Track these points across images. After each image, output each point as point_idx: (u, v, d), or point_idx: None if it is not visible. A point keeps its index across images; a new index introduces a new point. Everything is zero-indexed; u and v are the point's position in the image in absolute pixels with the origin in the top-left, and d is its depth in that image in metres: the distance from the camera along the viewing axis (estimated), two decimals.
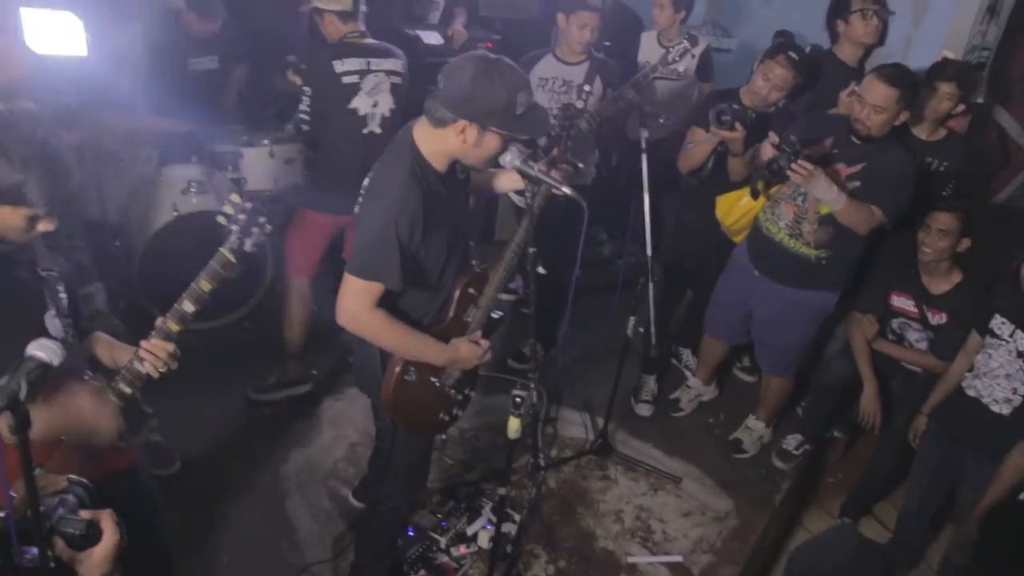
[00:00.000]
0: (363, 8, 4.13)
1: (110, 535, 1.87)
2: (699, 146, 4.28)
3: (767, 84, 4.13)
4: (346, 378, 4.49)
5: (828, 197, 3.67)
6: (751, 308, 4.28)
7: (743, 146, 4.05)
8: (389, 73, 4.13)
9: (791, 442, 4.51)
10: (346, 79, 4.03)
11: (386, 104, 4.13)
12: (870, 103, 3.63)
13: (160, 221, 4.38)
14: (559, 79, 4.42)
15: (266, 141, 4.60)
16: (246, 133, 4.68)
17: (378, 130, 4.13)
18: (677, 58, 4.24)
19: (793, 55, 4.09)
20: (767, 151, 3.86)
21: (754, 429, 4.54)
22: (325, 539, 3.67)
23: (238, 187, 4.65)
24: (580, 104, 4.27)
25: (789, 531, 4.16)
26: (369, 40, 4.15)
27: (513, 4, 5.84)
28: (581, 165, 4.20)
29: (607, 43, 4.69)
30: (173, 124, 4.58)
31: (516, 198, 4.38)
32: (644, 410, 4.69)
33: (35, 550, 1.85)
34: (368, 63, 4.09)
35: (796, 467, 4.45)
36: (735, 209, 4.28)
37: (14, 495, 1.82)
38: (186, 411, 3.94)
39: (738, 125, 3.95)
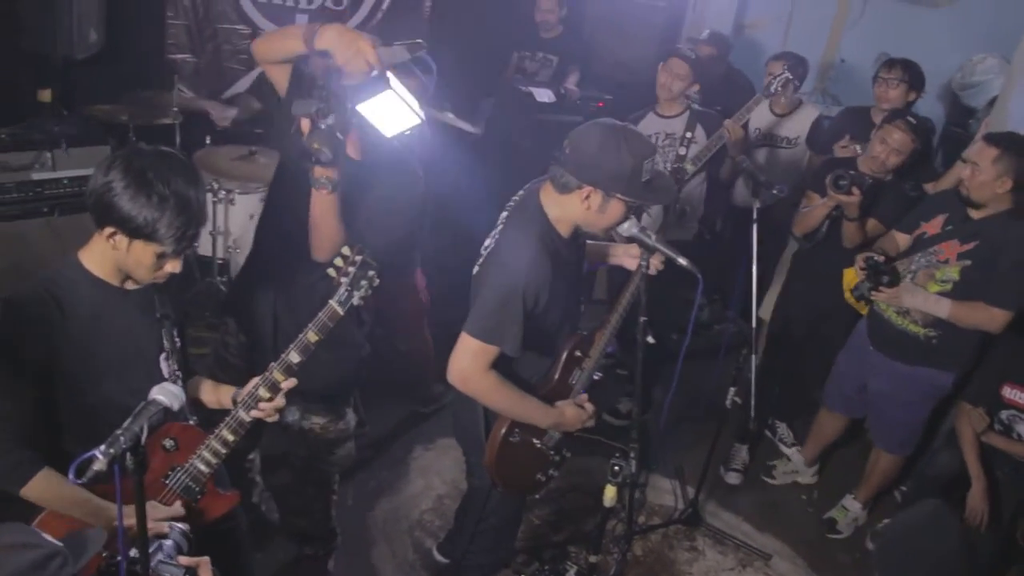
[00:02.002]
0: None
1: None
2: (815, 210, 4.23)
3: (885, 148, 4.05)
4: (436, 428, 4.49)
5: (922, 307, 3.68)
6: (867, 381, 4.15)
7: (859, 211, 4.00)
8: None
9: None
10: None
11: None
12: (969, 160, 3.58)
13: None
14: (661, 133, 4.48)
15: None
16: None
17: None
18: (779, 88, 4.38)
19: (912, 119, 4.05)
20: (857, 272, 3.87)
21: (850, 510, 4.38)
22: None
23: None
24: (683, 151, 4.35)
25: None
26: None
27: (625, 65, 5.88)
28: (689, 210, 4.27)
29: (718, 107, 4.68)
30: None
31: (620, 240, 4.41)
32: (733, 479, 4.57)
33: None
34: None
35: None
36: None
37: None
38: (270, 456, 3.97)
39: (855, 190, 3.91)
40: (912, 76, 4.59)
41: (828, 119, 5.40)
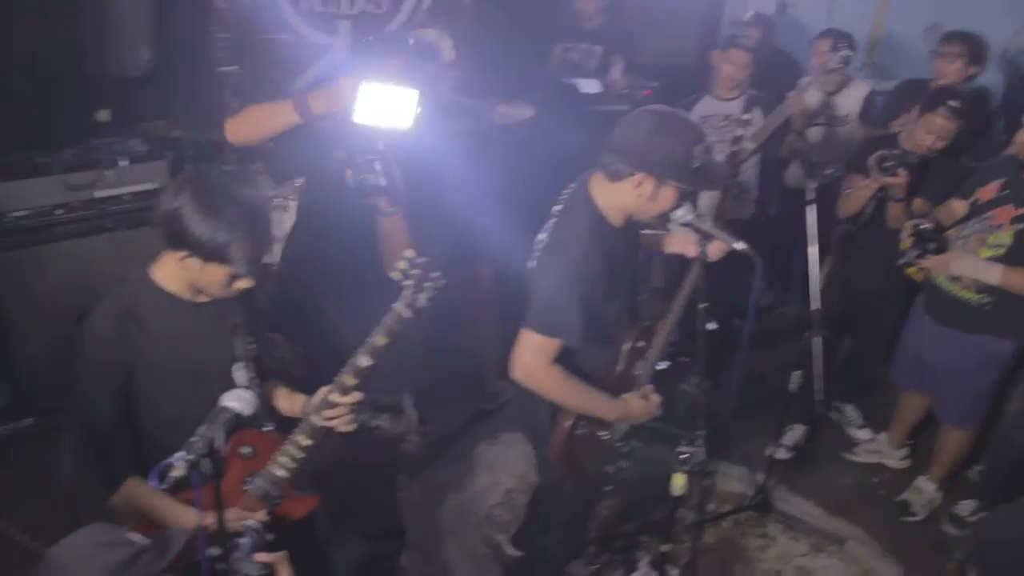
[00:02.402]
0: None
1: None
2: (859, 191, 4.14)
3: (929, 137, 3.95)
4: (501, 423, 4.51)
5: (972, 273, 3.63)
6: (926, 352, 4.10)
7: (905, 192, 3.92)
8: None
9: (965, 508, 4.23)
10: None
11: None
12: None
13: None
14: (719, 115, 4.53)
15: None
16: None
17: None
18: (838, 64, 4.45)
19: (955, 104, 3.89)
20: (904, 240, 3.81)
21: (924, 491, 4.30)
22: None
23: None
24: (741, 132, 4.30)
25: None
26: None
27: (670, 51, 5.83)
28: (741, 190, 4.34)
29: (765, 90, 4.65)
30: None
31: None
32: (781, 453, 4.46)
33: None
34: None
35: (970, 535, 4.18)
36: None
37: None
38: (340, 448, 4.02)
39: (901, 171, 3.84)
40: (971, 49, 4.48)
41: (880, 94, 5.31)
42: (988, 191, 3.75)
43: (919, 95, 4.57)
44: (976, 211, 3.78)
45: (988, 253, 3.64)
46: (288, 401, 2.62)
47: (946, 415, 4.18)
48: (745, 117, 4.35)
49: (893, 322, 4.37)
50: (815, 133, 5.01)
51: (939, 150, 4.00)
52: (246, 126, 2.96)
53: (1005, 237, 3.62)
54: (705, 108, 4.58)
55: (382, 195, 2.75)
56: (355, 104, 2.69)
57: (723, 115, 4.52)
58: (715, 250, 2.86)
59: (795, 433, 4.62)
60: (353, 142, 2.78)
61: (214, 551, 1.98)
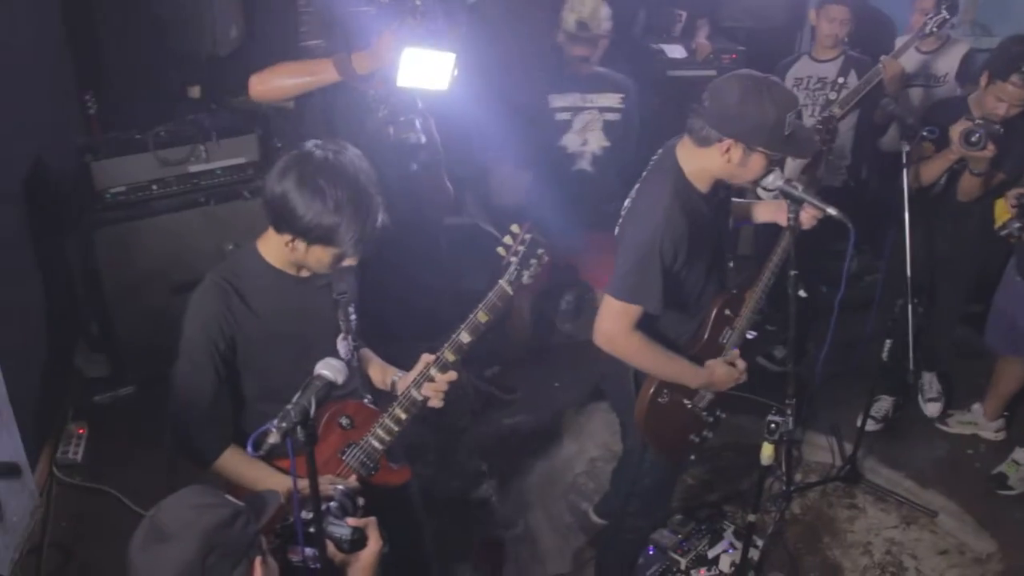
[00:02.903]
0: (599, 31, 4.04)
1: (374, 541, 2.02)
2: (935, 161, 3.95)
3: (1002, 105, 3.74)
4: (585, 391, 4.52)
5: None
6: (1018, 317, 3.98)
7: (987, 165, 3.73)
8: (603, 110, 4.11)
9: None
10: (559, 115, 4.07)
11: (596, 142, 4.11)
12: None
13: None
14: (813, 77, 4.49)
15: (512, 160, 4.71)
16: (492, 151, 4.81)
17: (589, 168, 4.13)
18: (936, 28, 4.25)
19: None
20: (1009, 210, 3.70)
21: (1022, 463, 4.17)
22: (565, 553, 3.71)
23: (485, 203, 4.80)
24: (832, 95, 4.31)
25: None
26: (593, 69, 4.12)
27: (756, 13, 5.69)
28: (831, 157, 4.14)
29: (858, 49, 4.51)
30: None
31: (763, 193, 4.31)
32: (871, 425, 4.31)
33: (309, 551, 2.01)
34: (583, 98, 4.09)
35: None
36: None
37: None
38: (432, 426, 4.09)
39: (990, 145, 3.62)
40: None
41: (980, 52, 5.10)
42: None
43: None
44: None
45: None
46: (381, 373, 2.65)
47: None
48: (840, 81, 4.31)
49: (967, 291, 4.33)
50: (912, 95, 4.86)
51: (1012, 118, 3.79)
52: (277, 81, 3.01)
53: None
54: (801, 69, 4.54)
55: (422, 152, 2.86)
56: (399, 68, 2.81)
57: (818, 77, 4.47)
58: (807, 218, 2.80)
59: (884, 404, 4.52)
60: (394, 101, 2.94)
61: (306, 514, 2.04)
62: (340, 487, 2.25)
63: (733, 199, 2.92)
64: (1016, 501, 4.10)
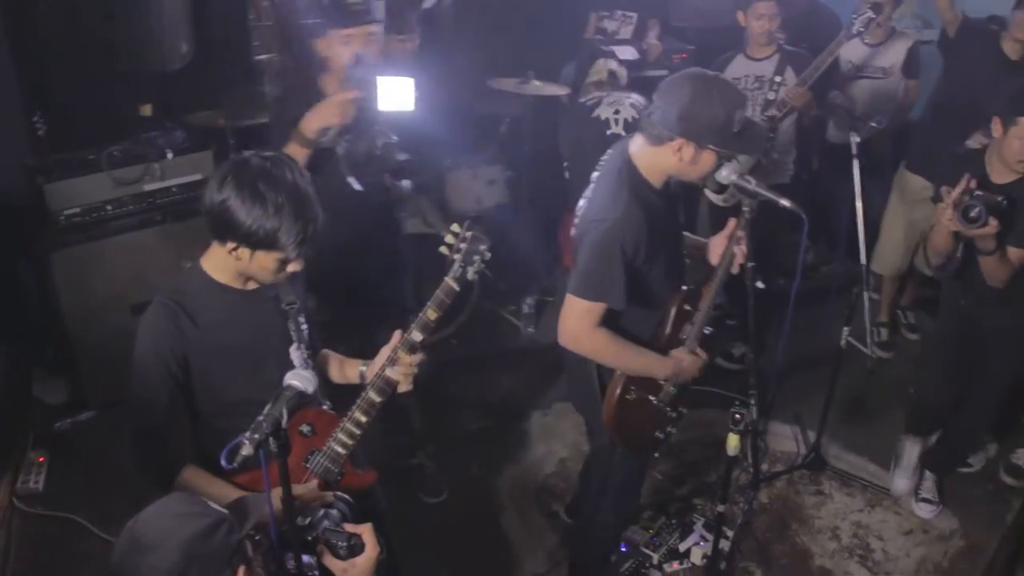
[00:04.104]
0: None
1: (372, 547, 2.01)
2: (938, 233, 3.40)
3: None
4: (553, 393, 4.55)
5: None
6: None
7: (996, 241, 3.17)
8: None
9: (1022, 456, 4.21)
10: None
11: (627, 112, 4.16)
12: None
13: None
14: (751, 76, 4.47)
15: (468, 163, 4.75)
16: (448, 157, 4.86)
17: (622, 132, 4.15)
18: (861, 29, 4.18)
19: None
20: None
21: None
22: (538, 553, 3.72)
23: (443, 209, 4.84)
24: (772, 96, 4.29)
25: (1022, 553, 3.88)
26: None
27: (705, 12, 5.76)
28: (776, 156, 4.21)
29: (804, 44, 4.58)
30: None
31: (715, 198, 4.36)
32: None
33: (306, 558, 2.01)
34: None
35: None
36: None
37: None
38: (398, 430, 4.08)
39: (992, 220, 3.05)
40: None
41: (923, 44, 5.22)
42: None
43: (984, 44, 4.45)
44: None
45: None
46: (340, 368, 2.67)
47: None
48: (777, 79, 4.32)
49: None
50: (858, 87, 4.95)
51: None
52: None
53: None
54: (737, 69, 4.52)
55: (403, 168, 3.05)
56: (377, 95, 2.99)
57: (755, 76, 4.46)
58: (740, 255, 2.85)
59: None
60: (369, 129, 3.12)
61: (302, 521, 2.05)
62: (339, 493, 2.25)
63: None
64: (976, 478, 4.20)
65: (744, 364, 4.40)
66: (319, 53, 3.21)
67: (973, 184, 3.09)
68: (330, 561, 2.00)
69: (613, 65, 4.31)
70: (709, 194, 4.20)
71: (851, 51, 4.86)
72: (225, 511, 1.70)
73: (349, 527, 2.04)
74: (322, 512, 2.10)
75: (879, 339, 5.05)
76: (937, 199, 3.32)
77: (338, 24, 3.15)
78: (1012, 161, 3.20)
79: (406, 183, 3.35)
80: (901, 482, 4.09)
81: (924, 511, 3.96)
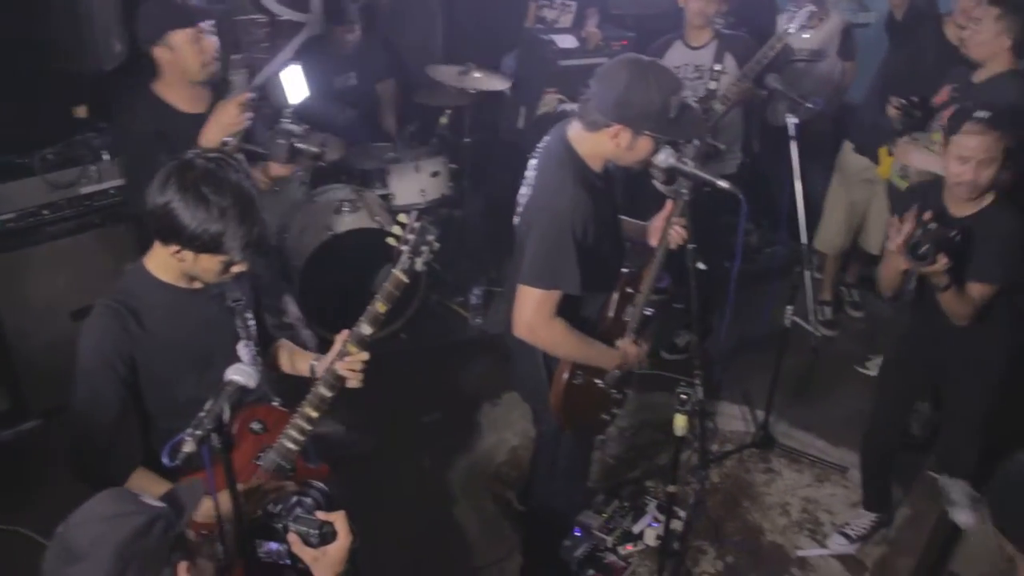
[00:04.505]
0: None
1: (344, 536, 1.95)
2: (886, 267, 3.32)
3: (968, 166, 2.95)
4: (502, 383, 4.55)
5: (928, 166, 3.64)
6: None
7: (949, 279, 2.99)
8: None
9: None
10: None
11: None
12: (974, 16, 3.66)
13: (316, 242, 4.54)
14: (690, 65, 4.38)
15: (411, 156, 4.73)
16: (391, 150, 4.83)
17: None
18: (804, 22, 4.11)
19: (982, 114, 2.94)
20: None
21: (921, 412, 4.35)
22: (493, 542, 3.73)
23: (387, 203, 4.83)
24: (713, 85, 4.23)
25: None
26: None
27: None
28: (722, 146, 4.19)
29: (744, 29, 4.61)
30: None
31: (660, 187, 4.38)
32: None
33: (274, 545, 1.98)
34: None
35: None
36: None
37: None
38: (348, 425, 4.08)
39: (941, 256, 2.89)
40: None
41: (858, 27, 5.31)
42: (941, 96, 3.83)
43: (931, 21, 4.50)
44: (930, 114, 3.85)
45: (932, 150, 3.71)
46: (290, 359, 2.67)
47: None
48: (716, 68, 4.24)
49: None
50: (795, 69, 5.01)
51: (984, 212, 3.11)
52: None
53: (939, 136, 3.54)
54: (676, 57, 4.40)
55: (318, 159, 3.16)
56: (291, 89, 3.23)
57: (694, 66, 4.37)
58: (676, 236, 2.89)
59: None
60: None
61: (273, 508, 2.01)
62: (320, 485, 2.22)
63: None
64: (919, 449, 4.27)
65: (689, 352, 4.43)
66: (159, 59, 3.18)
67: (926, 217, 2.96)
68: (300, 549, 1.95)
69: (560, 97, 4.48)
70: (657, 184, 4.21)
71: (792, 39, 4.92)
72: (161, 505, 1.64)
73: (322, 515, 1.99)
74: (295, 499, 2.05)
75: (823, 317, 5.14)
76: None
77: (178, 25, 3.11)
78: (951, 182, 3.06)
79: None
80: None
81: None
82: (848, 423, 4.43)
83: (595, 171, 2.70)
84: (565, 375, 2.82)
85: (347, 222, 4.57)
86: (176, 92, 3.20)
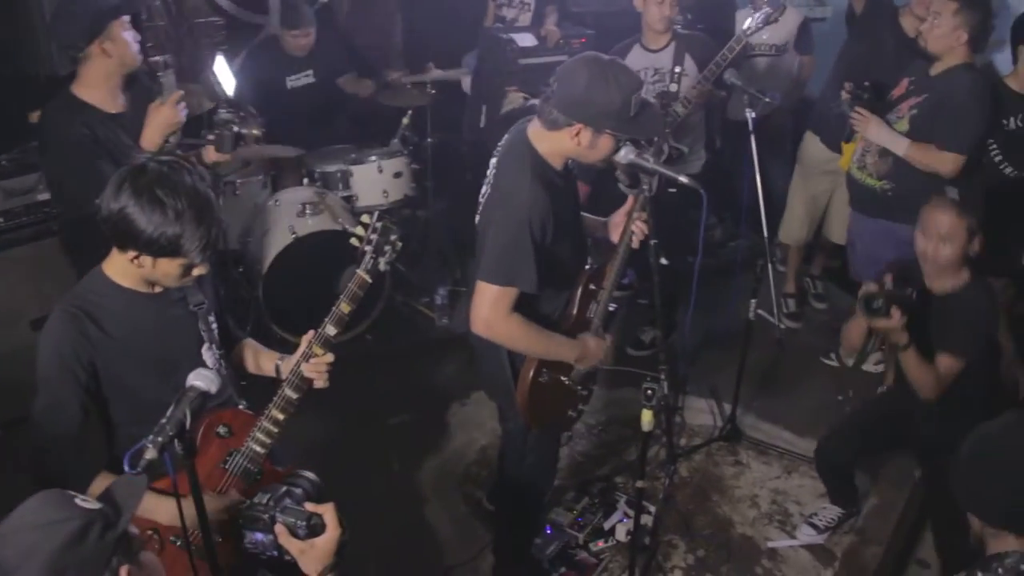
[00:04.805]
0: None
1: (333, 528, 1.89)
2: (850, 327, 3.47)
3: (933, 241, 3.15)
4: (470, 382, 4.55)
5: (884, 141, 3.82)
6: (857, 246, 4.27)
7: (907, 336, 3.08)
8: None
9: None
10: None
11: None
12: (931, 11, 3.73)
13: (279, 244, 4.51)
14: (650, 69, 4.34)
15: (373, 157, 4.71)
16: (353, 151, 4.81)
17: None
18: (761, 24, 4.06)
19: (951, 194, 3.34)
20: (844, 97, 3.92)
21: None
22: (465, 542, 3.72)
23: (350, 205, 4.80)
24: (674, 88, 4.21)
25: (928, 507, 4.01)
26: None
27: None
28: (685, 149, 4.19)
29: (700, 26, 4.64)
30: (284, 150, 4.75)
31: (624, 188, 4.39)
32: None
33: (259, 536, 1.93)
34: None
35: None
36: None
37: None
38: (316, 428, 4.06)
39: (895, 310, 3.02)
40: None
41: (814, 21, 5.36)
42: (900, 88, 3.94)
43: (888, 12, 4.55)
44: (888, 107, 3.96)
45: None
46: (255, 359, 2.65)
47: None
48: (677, 70, 4.22)
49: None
50: (753, 64, 5.05)
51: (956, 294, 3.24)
52: None
53: (902, 126, 3.83)
54: (635, 61, 4.29)
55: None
56: (224, 81, 3.37)
57: (654, 69, 4.33)
58: (639, 230, 2.90)
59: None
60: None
61: (262, 498, 1.96)
62: (309, 475, 2.18)
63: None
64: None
65: (655, 348, 4.44)
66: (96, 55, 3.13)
67: (886, 279, 3.19)
68: (287, 540, 1.89)
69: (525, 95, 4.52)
70: (621, 186, 4.23)
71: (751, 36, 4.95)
72: (97, 507, 1.55)
73: (310, 506, 1.93)
74: (284, 489, 2.01)
75: (787, 310, 5.19)
76: None
77: (117, 14, 3.12)
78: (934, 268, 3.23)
79: None
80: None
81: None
82: (814, 414, 4.48)
83: (555, 168, 2.70)
84: (531, 372, 2.81)
85: (310, 224, 4.54)
86: (98, 93, 3.16)
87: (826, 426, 3.98)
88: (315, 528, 1.88)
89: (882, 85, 3.94)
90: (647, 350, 4.81)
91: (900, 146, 3.79)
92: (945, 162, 3.71)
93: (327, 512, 1.90)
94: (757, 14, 4.06)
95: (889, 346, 3.26)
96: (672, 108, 4.12)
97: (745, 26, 4.06)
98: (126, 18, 3.10)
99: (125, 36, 3.10)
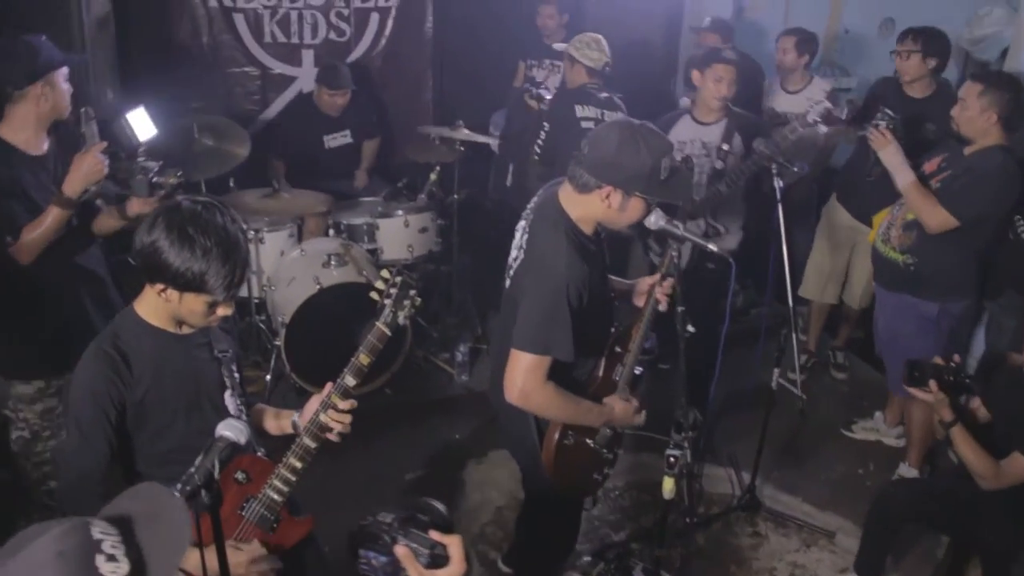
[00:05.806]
0: (608, 69, 4.56)
1: (458, 563, 1.72)
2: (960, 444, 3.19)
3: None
4: (488, 441, 4.52)
5: (893, 165, 3.87)
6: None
7: (952, 414, 3.11)
8: None
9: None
10: (584, 123, 4.34)
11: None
12: (959, 97, 3.78)
13: (304, 294, 4.51)
14: (697, 141, 4.30)
15: (400, 211, 4.73)
16: (380, 204, 4.85)
17: None
18: (818, 118, 4.21)
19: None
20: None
21: (905, 476, 4.35)
22: None
23: (375, 258, 4.83)
24: (719, 165, 4.21)
25: None
26: (603, 94, 4.52)
27: (630, 61, 5.83)
28: (723, 229, 4.21)
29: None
30: (312, 202, 4.80)
31: (654, 258, 4.41)
32: None
33: (371, 554, 1.78)
34: (602, 113, 4.40)
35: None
36: None
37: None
38: (333, 479, 4.02)
39: (932, 384, 3.08)
40: (925, 43, 4.49)
41: (840, 92, 5.40)
42: (932, 164, 3.93)
43: (889, 90, 4.71)
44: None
45: (912, 215, 3.88)
46: (275, 420, 2.67)
47: (894, 385, 4.19)
48: (724, 147, 4.21)
49: None
50: (782, 134, 5.07)
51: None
52: (36, 246, 3.05)
53: None
54: (684, 132, 4.32)
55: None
56: (139, 129, 3.48)
57: (702, 142, 4.29)
58: (661, 294, 2.91)
59: None
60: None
61: (385, 517, 1.77)
62: (436, 503, 2.04)
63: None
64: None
65: (698, 429, 4.39)
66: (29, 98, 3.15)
67: (955, 358, 3.21)
68: (411, 565, 1.70)
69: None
70: (652, 256, 4.25)
71: (773, 99, 5.01)
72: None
73: (435, 535, 1.76)
74: (410, 513, 1.85)
75: (801, 365, 5.08)
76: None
77: (62, 63, 3.18)
78: None
79: None
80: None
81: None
82: (834, 487, 4.43)
83: (587, 234, 2.70)
84: (556, 435, 2.80)
85: (334, 276, 4.55)
86: (23, 135, 3.16)
87: (848, 500, 3.93)
88: (438, 559, 1.71)
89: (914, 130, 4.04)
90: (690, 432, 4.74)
91: (906, 178, 3.83)
92: (934, 216, 3.74)
93: (453, 544, 1.73)
94: (816, 107, 4.20)
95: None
96: (716, 187, 4.14)
97: (809, 118, 4.22)
98: (65, 70, 3.18)
99: (63, 86, 3.17)
